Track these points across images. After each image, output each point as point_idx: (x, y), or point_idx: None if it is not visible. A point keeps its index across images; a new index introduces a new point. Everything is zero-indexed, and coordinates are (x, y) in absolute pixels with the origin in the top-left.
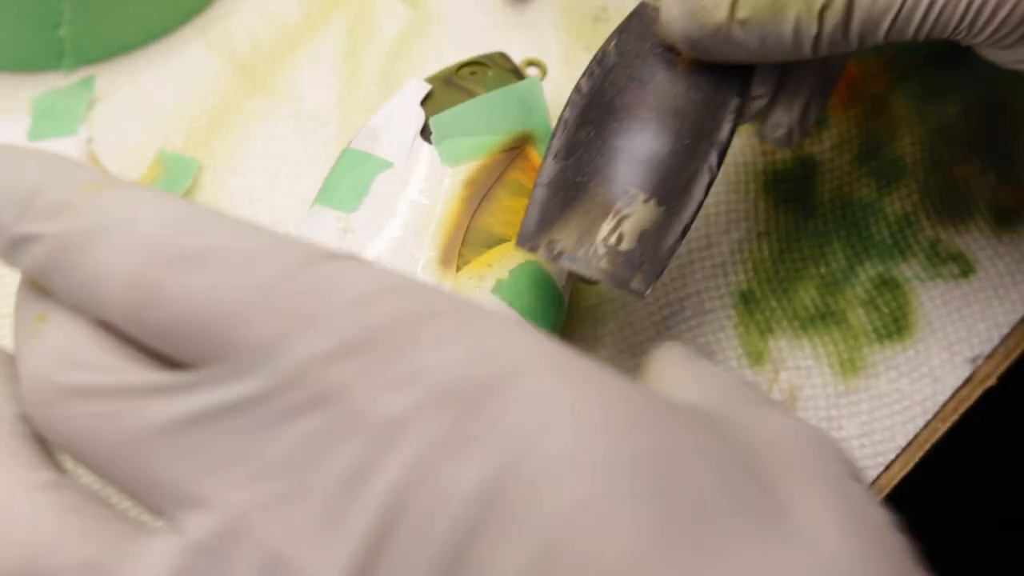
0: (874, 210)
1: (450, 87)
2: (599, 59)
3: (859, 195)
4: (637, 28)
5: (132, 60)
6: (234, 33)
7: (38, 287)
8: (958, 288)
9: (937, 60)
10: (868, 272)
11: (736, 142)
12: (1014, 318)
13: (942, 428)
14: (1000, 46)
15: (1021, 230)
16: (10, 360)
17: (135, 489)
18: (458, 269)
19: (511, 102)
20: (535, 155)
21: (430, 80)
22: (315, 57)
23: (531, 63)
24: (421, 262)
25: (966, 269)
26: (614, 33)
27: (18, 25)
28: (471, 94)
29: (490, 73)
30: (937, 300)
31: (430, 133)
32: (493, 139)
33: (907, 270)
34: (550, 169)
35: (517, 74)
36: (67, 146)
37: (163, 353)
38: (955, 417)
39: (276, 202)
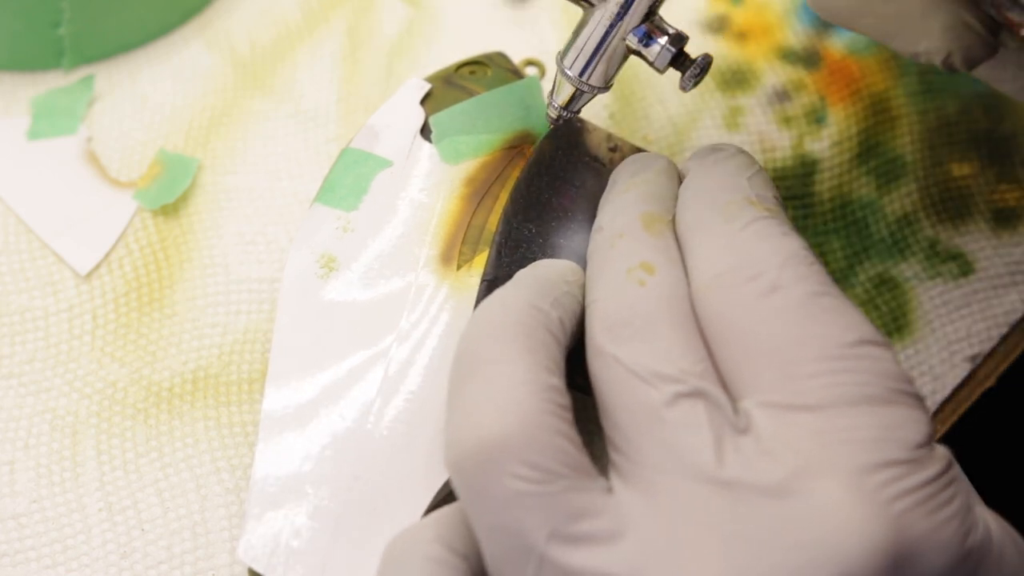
0: (873, 209)
1: (450, 86)
2: (535, 159)
3: (858, 194)
4: (567, 135)
5: (132, 59)
6: (234, 32)
7: None
8: (957, 288)
9: None
10: (867, 272)
11: (736, 140)
12: (1013, 318)
13: (941, 429)
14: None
15: (1021, 230)
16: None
17: (623, 439)
18: (458, 267)
19: (510, 101)
20: None
21: (430, 79)
22: (315, 56)
23: (530, 63)
24: (421, 260)
25: (965, 268)
26: (547, 136)
27: (18, 24)
28: (471, 93)
29: (489, 72)
30: (936, 300)
31: (430, 132)
32: (493, 138)
33: (906, 269)
34: (494, 265)
35: (516, 73)
36: (67, 145)
37: None
38: (954, 418)
39: (276, 201)
